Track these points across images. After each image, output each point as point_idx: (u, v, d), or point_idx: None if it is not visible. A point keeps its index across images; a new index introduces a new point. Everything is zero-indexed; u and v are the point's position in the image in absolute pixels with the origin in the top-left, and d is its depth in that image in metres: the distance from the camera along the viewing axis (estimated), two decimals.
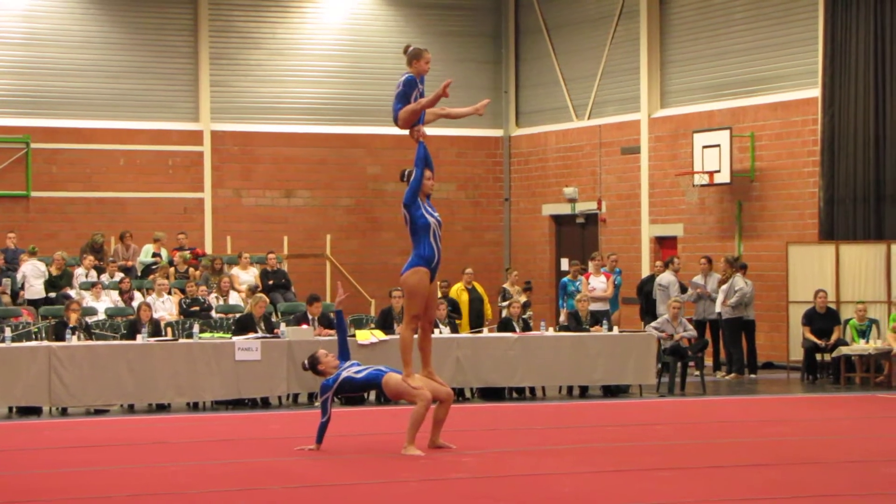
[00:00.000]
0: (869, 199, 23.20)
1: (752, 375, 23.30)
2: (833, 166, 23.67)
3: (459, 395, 19.86)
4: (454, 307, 22.68)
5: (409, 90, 13.20)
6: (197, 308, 22.39)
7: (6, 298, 23.28)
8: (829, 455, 13.41)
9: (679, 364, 21.01)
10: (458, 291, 23.72)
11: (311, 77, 29.98)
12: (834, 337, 22.20)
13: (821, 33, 23.94)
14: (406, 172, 13.55)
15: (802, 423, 16.55)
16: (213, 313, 22.55)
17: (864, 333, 22.05)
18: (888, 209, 22.97)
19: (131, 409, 18.59)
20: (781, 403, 19.60)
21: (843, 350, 21.79)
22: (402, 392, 13.21)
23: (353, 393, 13.93)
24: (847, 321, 22.39)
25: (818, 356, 22.50)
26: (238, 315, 21.38)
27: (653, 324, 21.57)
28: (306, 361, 13.73)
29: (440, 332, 19.79)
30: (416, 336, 13.43)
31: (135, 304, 21.83)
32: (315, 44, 30.03)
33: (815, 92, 24.16)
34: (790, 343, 23.26)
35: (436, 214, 13.32)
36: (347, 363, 13.48)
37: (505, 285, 24.56)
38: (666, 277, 23.85)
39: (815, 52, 24.24)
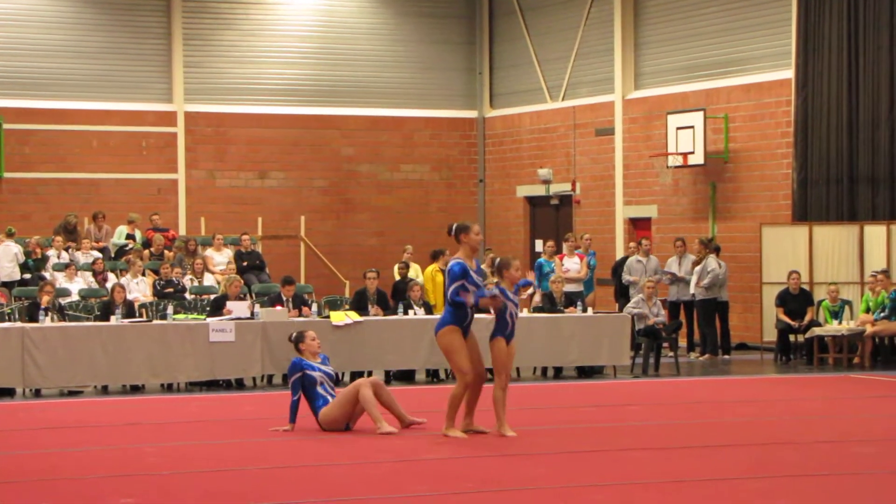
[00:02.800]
0: (842, 180, 23.27)
1: (726, 356, 23.37)
2: (806, 147, 23.74)
3: (434, 376, 19.90)
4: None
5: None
6: (171, 289, 22.33)
7: None
8: (802, 435, 13.47)
9: (653, 345, 21.06)
10: (433, 273, 23.68)
11: (285, 58, 29.91)
12: (807, 318, 22.27)
13: (794, 14, 23.99)
14: (453, 227, 13.55)
15: (776, 404, 16.61)
16: (187, 295, 22.50)
17: (836, 314, 22.14)
18: (861, 190, 23.06)
19: (105, 390, 18.55)
20: (755, 384, 19.68)
21: (817, 331, 21.87)
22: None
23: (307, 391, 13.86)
24: (820, 302, 22.48)
25: (791, 337, 22.59)
26: (213, 296, 21.34)
27: (629, 305, 21.61)
28: (294, 334, 14.04)
29: (414, 314, 19.79)
30: None
31: (108, 285, 21.77)
32: (289, 24, 29.96)
33: (789, 73, 24.21)
34: (763, 324, 23.33)
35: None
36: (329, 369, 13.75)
37: (482, 266, 24.52)
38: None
39: (788, 34, 24.29)
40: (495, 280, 13.58)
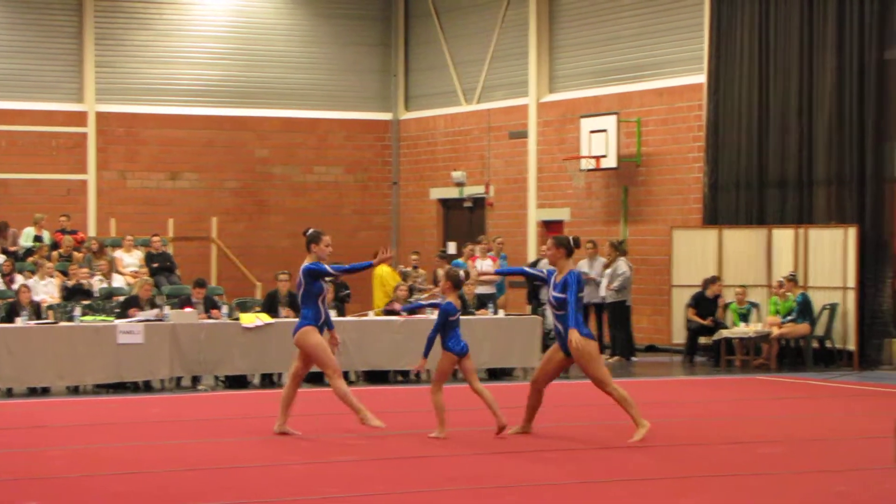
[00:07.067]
0: (752, 184, 23.49)
1: (633, 359, 23.47)
2: (717, 152, 23.96)
3: (344, 377, 19.80)
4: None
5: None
6: (80, 288, 22.08)
7: None
8: (710, 436, 13.59)
9: None
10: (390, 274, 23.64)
11: (198, 59, 29.71)
12: (718, 314, 22.49)
13: (706, 20, 24.20)
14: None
15: (684, 406, 16.73)
16: (94, 296, 22.25)
17: (744, 317, 22.36)
18: (770, 195, 23.29)
19: (9, 393, 18.30)
20: (664, 386, 19.82)
21: (724, 333, 22.08)
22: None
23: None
24: (728, 304, 22.69)
25: (700, 339, 22.79)
26: (123, 298, 21.12)
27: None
28: (311, 231, 13.55)
29: None
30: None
31: (15, 286, 21.50)
32: (203, 25, 29.77)
33: (701, 78, 24.42)
34: (673, 326, 23.52)
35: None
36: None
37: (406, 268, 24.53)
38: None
39: (700, 39, 24.50)
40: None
